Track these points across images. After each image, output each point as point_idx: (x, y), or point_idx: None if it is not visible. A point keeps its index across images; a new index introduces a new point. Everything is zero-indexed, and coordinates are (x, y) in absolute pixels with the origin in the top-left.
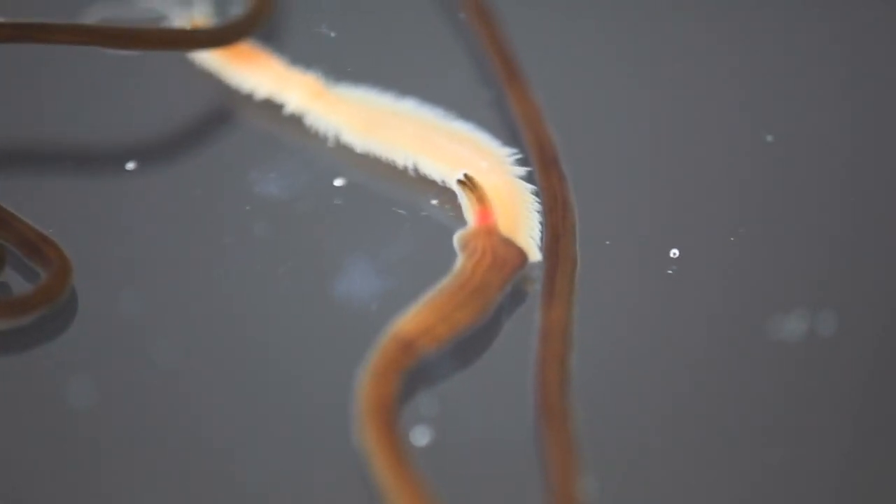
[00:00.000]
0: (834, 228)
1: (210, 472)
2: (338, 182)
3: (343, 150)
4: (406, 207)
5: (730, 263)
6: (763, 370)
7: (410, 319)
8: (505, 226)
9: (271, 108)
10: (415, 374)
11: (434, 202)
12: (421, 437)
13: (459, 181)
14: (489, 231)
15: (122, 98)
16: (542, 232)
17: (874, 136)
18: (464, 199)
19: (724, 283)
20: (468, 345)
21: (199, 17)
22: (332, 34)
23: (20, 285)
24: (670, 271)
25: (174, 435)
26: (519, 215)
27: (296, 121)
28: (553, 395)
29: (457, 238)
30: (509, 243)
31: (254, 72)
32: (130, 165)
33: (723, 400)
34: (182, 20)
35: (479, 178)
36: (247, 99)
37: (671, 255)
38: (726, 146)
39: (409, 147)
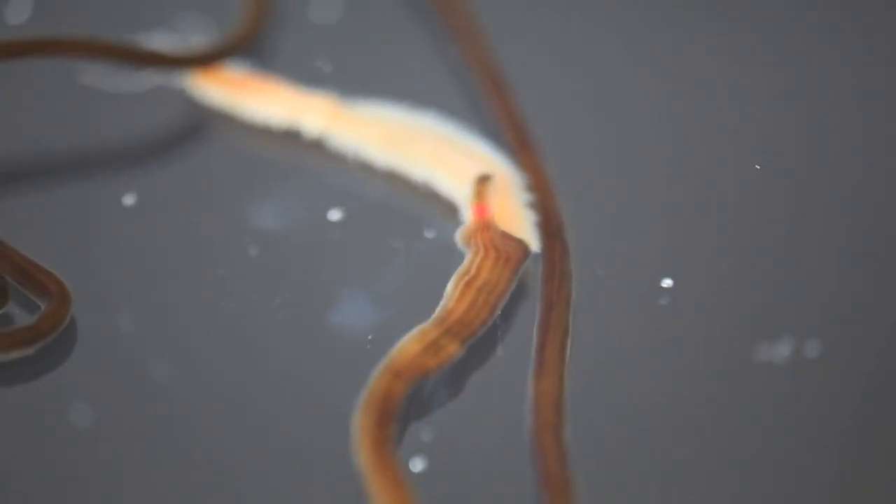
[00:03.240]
0: (824, 256)
1: (210, 496)
2: (333, 215)
3: (342, 181)
4: (401, 240)
5: (722, 293)
6: (757, 399)
7: (429, 325)
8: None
9: (268, 140)
10: (409, 402)
11: (428, 235)
12: (416, 464)
13: (478, 176)
14: (486, 225)
15: (122, 132)
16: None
17: (864, 164)
18: (467, 195)
19: (717, 312)
20: (462, 372)
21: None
22: (328, 69)
23: (19, 317)
24: (663, 301)
25: (174, 461)
26: (518, 220)
27: (293, 152)
28: (552, 464)
29: (458, 235)
30: (508, 237)
31: (267, 102)
32: (128, 200)
33: (716, 429)
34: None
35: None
36: (244, 132)
37: (663, 285)
38: (717, 175)
39: (425, 162)
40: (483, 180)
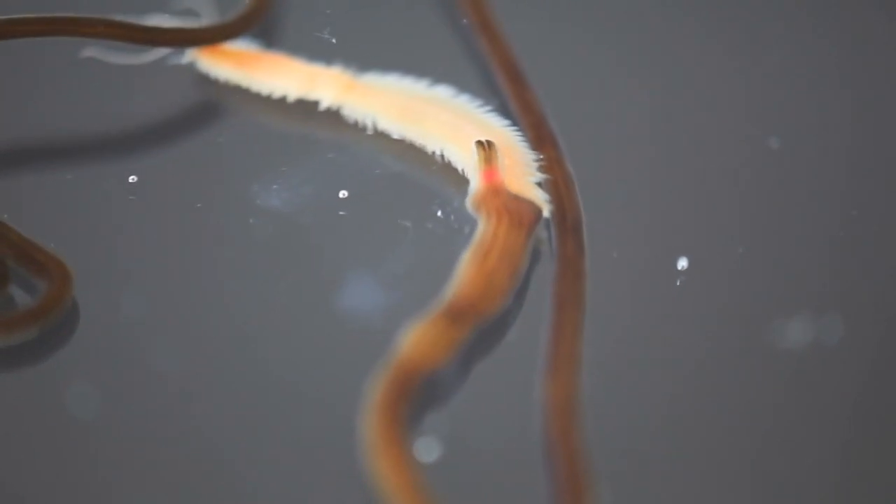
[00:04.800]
0: (841, 235)
1: (213, 482)
2: (341, 195)
3: (350, 161)
4: (410, 219)
5: (738, 274)
6: (774, 381)
7: (456, 293)
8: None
9: (275, 120)
10: (422, 390)
11: (438, 213)
12: (429, 453)
13: (478, 142)
14: (497, 190)
15: (125, 111)
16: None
17: (879, 141)
18: (474, 160)
19: (733, 293)
20: (474, 357)
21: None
22: (334, 40)
23: (20, 299)
24: (678, 283)
25: (177, 445)
26: (527, 184)
27: (301, 132)
28: (568, 472)
29: (468, 201)
30: (520, 199)
31: (281, 76)
32: (133, 178)
33: (733, 411)
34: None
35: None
36: (251, 110)
37: (679, 266)
38: (732, 155)
39: (439, 134)
40: (486, 145)
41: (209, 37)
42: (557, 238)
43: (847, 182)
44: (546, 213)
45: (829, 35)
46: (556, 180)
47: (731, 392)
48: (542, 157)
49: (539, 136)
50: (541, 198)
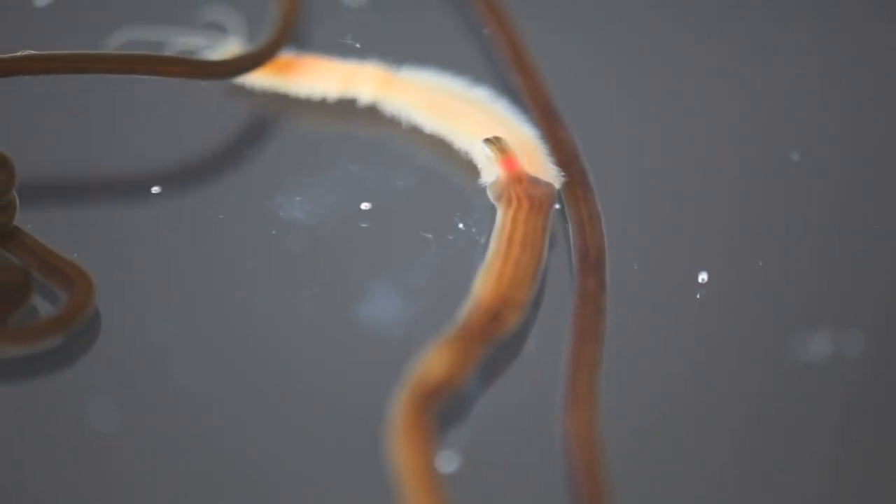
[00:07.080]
0: (862, 249)
1: (233, 495)
2: (364, 206)
3: (372, 173)
4: (432, 231)
5: (758, 287)
6: (794, 395)
7: (486, 292)
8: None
9: (299, 132)
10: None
11: (460, 225)
12: (448, 464)
13: (486, 140)
14: (518, 178)
15: (148, 123)
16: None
17: None
18: (488, 156)
19: (753, 306)
20: (495, 366)
21: (231, 48)
22: (358, 45)
23: (42, 308)
24: (699, 296)
25: (197, 458)
26: (539, 164)
27: (323, 143)
28: (593, 499)
29: (489, 190)
30: (537, 183)
31: (320, 77)
32: (156, 189)
33: (753, 425)
34: (215, 52)
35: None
36: (275, 123)
37: (699, 279)
38: (752, 168)
39: (470, 131)
40: (493, 140)
41: (263, 57)
42: (579, 273)
43: (868, 195)
44: (558, 185)
45: (851, 48)
46: (582, 217)
47: (752, 405)
48: (572, 195)
49: (569, 174)
50: (552, 174)
